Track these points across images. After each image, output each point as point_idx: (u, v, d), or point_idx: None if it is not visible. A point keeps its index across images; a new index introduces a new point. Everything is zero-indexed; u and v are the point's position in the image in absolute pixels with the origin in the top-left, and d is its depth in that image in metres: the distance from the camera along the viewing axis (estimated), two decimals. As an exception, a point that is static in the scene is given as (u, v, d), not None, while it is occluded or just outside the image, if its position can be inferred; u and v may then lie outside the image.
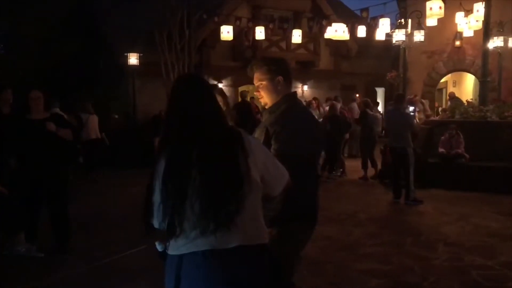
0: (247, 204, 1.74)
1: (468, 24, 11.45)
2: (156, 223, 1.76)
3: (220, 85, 14.41)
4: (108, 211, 6.86)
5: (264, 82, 2.50)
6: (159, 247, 1.86)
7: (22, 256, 4.63)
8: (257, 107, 13.49)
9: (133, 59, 12.58)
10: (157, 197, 1.74)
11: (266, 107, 2.55)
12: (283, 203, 2.22)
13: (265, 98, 2.53)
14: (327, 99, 13.63)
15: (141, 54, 12.65)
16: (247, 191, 1.72)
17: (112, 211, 6.86)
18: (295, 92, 2.64)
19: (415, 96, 12.49)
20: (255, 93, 2.61)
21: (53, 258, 4.68)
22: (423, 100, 12.43)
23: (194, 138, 1.74)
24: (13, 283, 4.16)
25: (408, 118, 7.65)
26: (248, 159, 1.75)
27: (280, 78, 2.49)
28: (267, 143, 2.32)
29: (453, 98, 13.07)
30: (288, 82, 2.54)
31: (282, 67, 2.55)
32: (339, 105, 10.72)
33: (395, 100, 7.81)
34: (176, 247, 1.75)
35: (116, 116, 13.44)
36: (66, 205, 4.95)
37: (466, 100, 11.77)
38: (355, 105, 13.38)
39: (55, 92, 7.42)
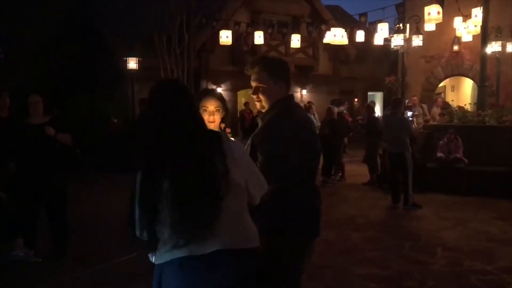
0: (228, 208, 1.68)
1: (467, 29, 11.50)
2: (137, 233, 1.74)
3: (219, 90, 14.43)
4: (106, 215, 6.84)
5: (264, 86, 2.36)
6: (150, 257, 1.85)
7: (20, 261, 4.62)
8: (251, 112, 13.50)
9: (132, 64, 12.60)
10: (137, 208, 1.73)
11: (263, 111, 2.42)
12: (273, 216, 2.16)
13: (263, 102, 2.39)
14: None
15: (140, 59, 12.67)
16: (225, 193, 1.66)
17: (110, 215, 6.84)
18: (291, 95, 2.45)
19: (415, 97, 12.53)
20: (252, 95, 2.44)
21: (51, 262, 4.67)
22: (422, 104, 12.43)
23: (168, 147, 1.69)
24: (11, 288, 4.15)
25: (406, 122, 7.65)
26: (226, 161, 1.69)
27: (282, 83, 2.38)
28: (252, 155, 2.21)
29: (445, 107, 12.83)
30: (288, 87, 2.43)
31: (285, 70, 2.43)
32: (343, 108, 10.71)
33: (393, 104, 7.82)
34: (159, 256, 1.73)
35: (115, 120, 13.44)
36: (65, 210, 4.94)
37: (458, 106, 11.79)
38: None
39: (55, 96, 7.43)
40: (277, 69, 2.41)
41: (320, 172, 10.20)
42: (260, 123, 2.43)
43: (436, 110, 11.85)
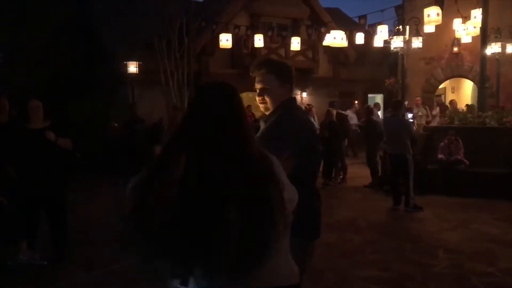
0: (280, 248, 1.49)
1: (466, 30, 11.49)
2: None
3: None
4: (107, 219, 6.83)
5: (270, 88, 2.35)
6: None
7: (23, 264, 4.61)
8: (253, 114, 13.51)
9: (132, 67, 12.61)
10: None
11: (267, 113, 2.40)
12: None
13: (268, 104, 2.37)
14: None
15: (140, 62, 12.68)
16: (281, 229, 1.42)
17: (112, 220, 6.83)
18: (293, 98, 2.46)
19: (418, 98, 12.53)
20: (257, 97, 2.40)
21: (51, 267, 4.67)
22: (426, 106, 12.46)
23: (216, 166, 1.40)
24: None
25: (407, 124, 7.65)
26: (283, 192, 1.45)
27: (287, 85, 2.39)
28: None
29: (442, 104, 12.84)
30: (292, 89, 2.45)
31: (289, 73, 2.44)
32: (349, 112, 10.68)
33: (393, 106, 7.81)
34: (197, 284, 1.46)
35: (116, 125, 13.44)
36: (65, 214, 4.94)
37: (466, 105, 11.79)
38: (349, 112, 13.43)
39: (55, 101, 7.43)
40: (283, 71, 2.40)
41: (320, 174, 10.22)
42: (262, 126, 2.42)
43: (417, 111, 11.88)
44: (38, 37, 11.85)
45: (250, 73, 2.42)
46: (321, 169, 10.44)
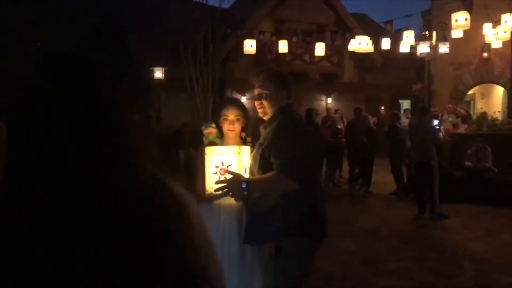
0: None
1: (496, 35, 11.23)
2: None
3: (244, 98, 14.51)
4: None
5: (268, 92, 2.51)
6: None
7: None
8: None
9: (158, 73, 12.83)
10: None
11: (265, 118, 2.55)
12: (282, 219, 2.25)
13: (266, 108, 2.52)
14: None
15: (166, 68, 12.88)
16: None
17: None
18: (289, 104, 2.60)
19: (450, 105, 12.27)
20: (255, 101, 2.58)
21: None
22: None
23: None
24: None
25: (432, 131, 7.51)
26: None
27: (284, 91, 2.54)
28: (264, 163, 2.38)
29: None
30: (290, 96, 2.58)
31: (287, 80, 2.61)
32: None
33: (419, 112, 7.69)
34: None
35: (142, 129, 13.68)
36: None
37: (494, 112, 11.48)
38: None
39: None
40: (280, 78, 2.59)
41: (346, 181, 10.10)
42: (262, 132, 2.53)
43: (447, 117, 11.61)
44: (66, 44, 12.19)
45: (250, 81, 2.61)
46: (345, 174, 10.34)
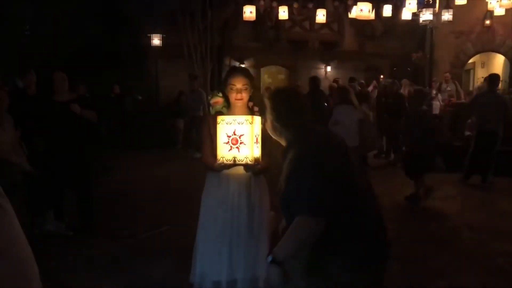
0: None
1: (499, 2, 11.04)
2: None
3: (242, 66, 14.35)
4: (132, 191, 6.95)
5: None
6: None
7: (51, 235, 4.73)
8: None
9: (156, 40, 12.61)
10: None
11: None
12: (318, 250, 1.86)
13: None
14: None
15: (164, 35, 12.65)
16: None
17: (136, 191, 6.95)
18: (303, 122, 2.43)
19: (447, 74, 12.15)
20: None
21: (77, 237, 4.78)
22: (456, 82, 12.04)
23: None
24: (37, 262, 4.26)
25: (504, 101, 7.25)
26: None
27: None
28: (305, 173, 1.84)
29: None
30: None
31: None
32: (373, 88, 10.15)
33: (489, 81, 7.34)
34: None
35: (140, 97, 13.55)
36: (90, 185, 5.03)
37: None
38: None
39: (80, 74, 7.51)
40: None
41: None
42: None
43: (445, 87, 11.50)
44: (62, 10, 11.90)
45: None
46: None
